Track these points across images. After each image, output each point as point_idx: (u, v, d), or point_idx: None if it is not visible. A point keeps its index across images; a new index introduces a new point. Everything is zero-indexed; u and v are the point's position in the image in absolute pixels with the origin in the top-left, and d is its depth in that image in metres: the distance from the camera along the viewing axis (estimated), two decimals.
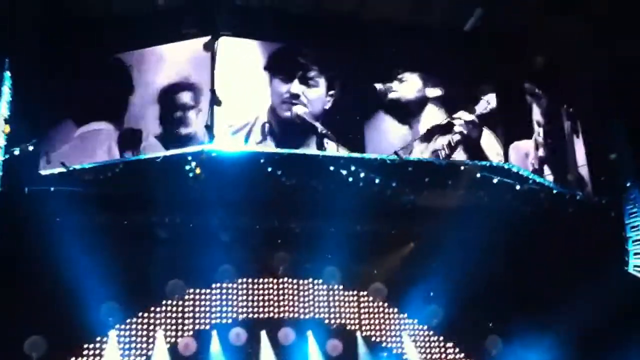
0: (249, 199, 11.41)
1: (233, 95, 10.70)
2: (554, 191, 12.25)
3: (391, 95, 11.64)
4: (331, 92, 11.34)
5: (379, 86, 11.58)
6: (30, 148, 10.20)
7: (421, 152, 11.54)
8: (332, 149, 11.06)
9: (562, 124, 12.38)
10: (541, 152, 12.00)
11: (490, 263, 12.47)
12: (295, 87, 11.11)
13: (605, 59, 11.90)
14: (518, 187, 12.07)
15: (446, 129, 11.66)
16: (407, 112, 11.69)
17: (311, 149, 11.02)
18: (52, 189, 10.61)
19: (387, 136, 11.50)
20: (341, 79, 11.43)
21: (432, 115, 11.74)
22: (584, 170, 12.47)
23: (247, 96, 10.88)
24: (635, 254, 12.43)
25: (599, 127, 12.55)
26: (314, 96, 11.23)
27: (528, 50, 12.03)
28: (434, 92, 11.82)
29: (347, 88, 11.43)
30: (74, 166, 10.54)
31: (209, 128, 10.19)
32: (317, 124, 11.02)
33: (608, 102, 12.40)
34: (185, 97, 10.76)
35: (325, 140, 10.99)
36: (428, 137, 11.57)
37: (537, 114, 12.17)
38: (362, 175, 11.44)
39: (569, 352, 12.38)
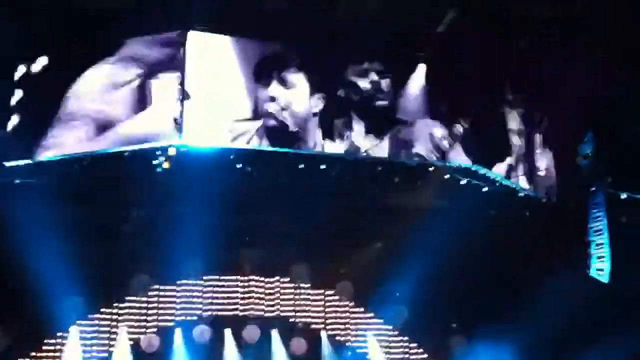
0: (217, 195, 11.24)
1: (213, 95, 10.32)
2: (521, 194, 12.34)
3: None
4: (318, 95, 10.96)
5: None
6: None
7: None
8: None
9: (530, 128, 12.46)
10: (509, 160, 12.07)
11: (456, 264, 12.53)
12: (273, 89, 10.67)
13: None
14: (486, 189, 12.13)
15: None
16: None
17: (284, 148, 10.78)
18: (17, 181, 10.38)
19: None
20: (323, 77, 11.08)
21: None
22: (550, 174, 12.57)
23: (230, 98, 10.46)
24: (598, 257, 12.58)
25: (568, 132, 12.67)
26: (292, 98, 10.79)
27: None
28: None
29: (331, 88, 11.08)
30: (39, 158, 10.27)
31: (178, 123, 9.99)
32: (289, 123, 10.72)
33: (577, 109, 12.52)
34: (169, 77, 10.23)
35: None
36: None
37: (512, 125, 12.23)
38: (332, 173, 11.37)
39: (534, 352, 12.52)
